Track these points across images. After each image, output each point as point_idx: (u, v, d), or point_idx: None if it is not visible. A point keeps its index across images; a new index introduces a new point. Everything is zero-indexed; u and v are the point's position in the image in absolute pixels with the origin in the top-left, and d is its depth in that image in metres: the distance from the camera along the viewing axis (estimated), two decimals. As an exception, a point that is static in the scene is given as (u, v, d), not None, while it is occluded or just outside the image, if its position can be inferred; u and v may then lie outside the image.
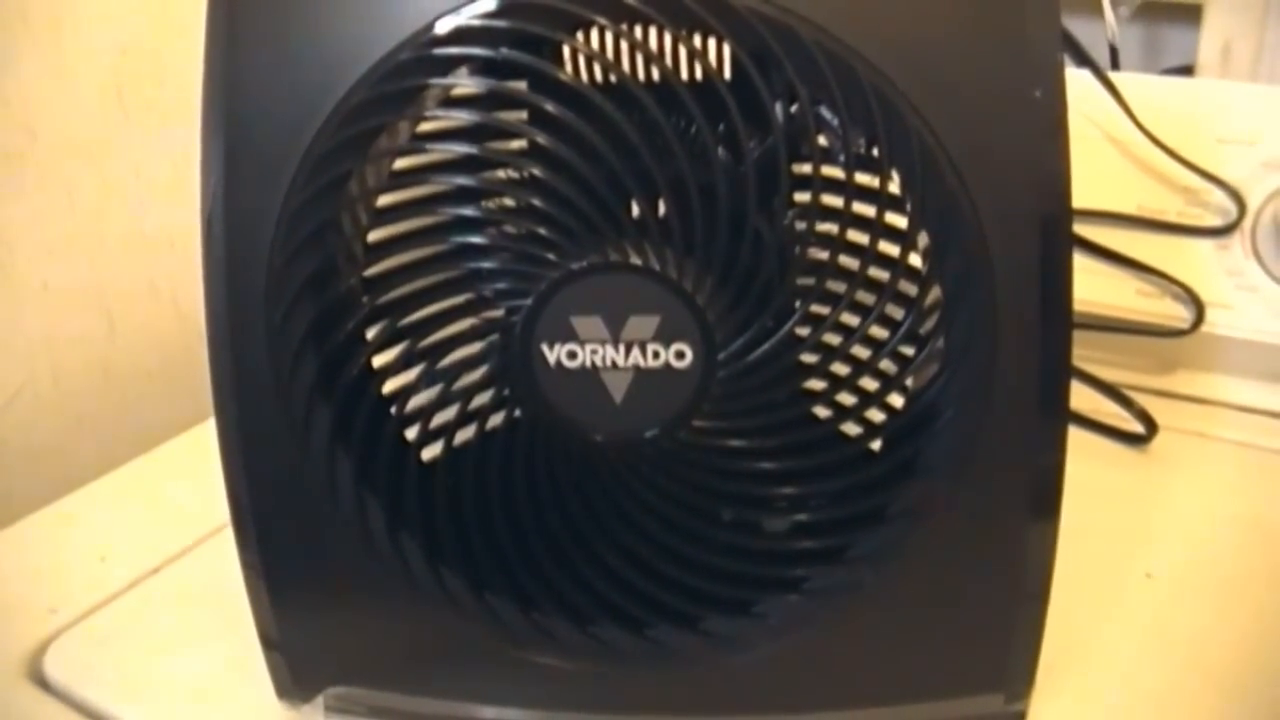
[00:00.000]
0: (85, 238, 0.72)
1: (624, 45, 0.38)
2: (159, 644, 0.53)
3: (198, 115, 0.74)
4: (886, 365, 0.40)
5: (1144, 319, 0.68)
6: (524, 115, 0.39)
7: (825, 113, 0.39)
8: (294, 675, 0.46)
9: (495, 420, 0.41)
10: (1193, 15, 0.80)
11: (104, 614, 0.55)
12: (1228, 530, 0.59)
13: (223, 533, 0.58)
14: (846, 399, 0.40)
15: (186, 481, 0.65)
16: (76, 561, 0.59)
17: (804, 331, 0.39)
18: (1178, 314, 0.68)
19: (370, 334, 0.41)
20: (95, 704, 0.50)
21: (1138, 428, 0.65)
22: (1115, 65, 0.78)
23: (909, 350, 0.40)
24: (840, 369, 0.39)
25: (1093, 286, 0.68)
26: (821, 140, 0.38)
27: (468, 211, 0.39)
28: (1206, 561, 0.56)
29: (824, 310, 0.38)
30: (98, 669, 0.51)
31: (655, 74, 0.38)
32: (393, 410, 0.41)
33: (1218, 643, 0.50)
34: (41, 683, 0.51)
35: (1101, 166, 0.69)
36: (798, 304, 0.39)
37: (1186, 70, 0.82)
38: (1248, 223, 0.67)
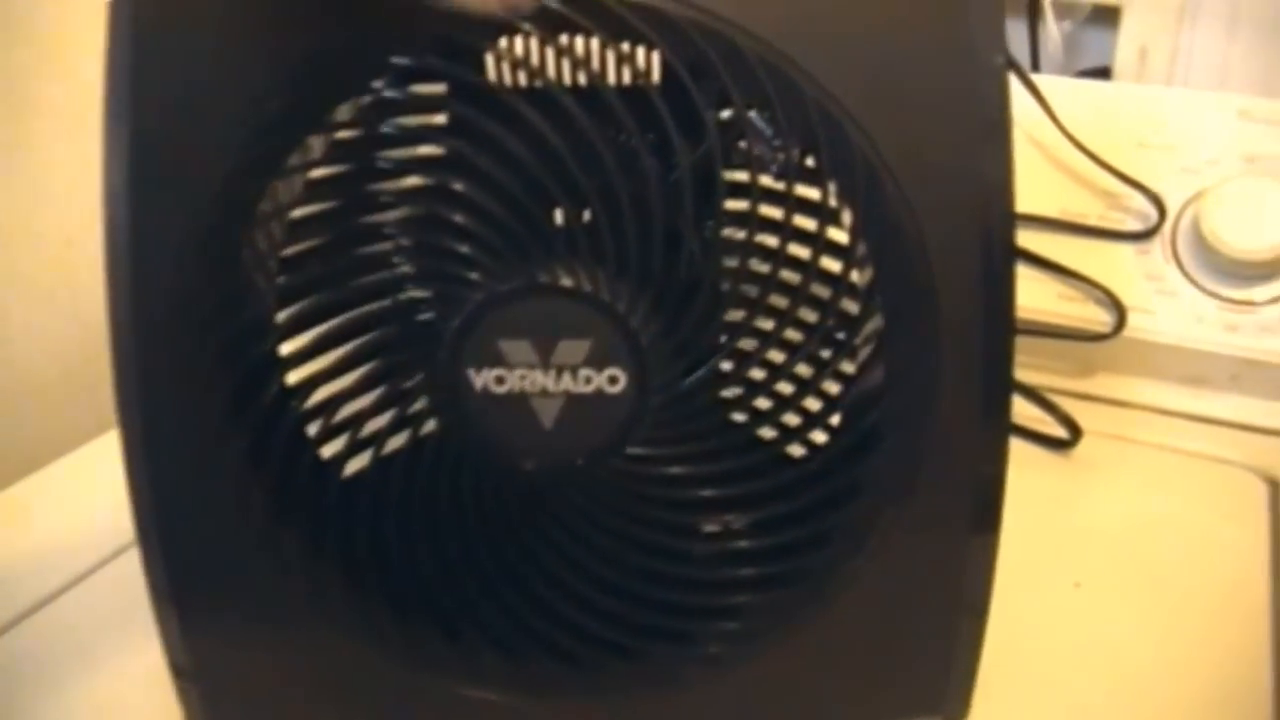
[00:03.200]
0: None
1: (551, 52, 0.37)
2: (55, 675, 0.50)
3: (97, 108, 0.70)
4: (828, 385, 0.39)
5: (1066, 323, 0.68)
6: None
7: (759, 122, 0.37)
8: (206, 707, 0.44)
9: (421, 439, 0.39)
10: (1109, 17, 0.81)
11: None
12: (1153, 535, 0.58)
13: (120, 558, 0.56)
14: (787, 420, 0.39)
15: (82, 502, 0.62)
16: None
17: (748, 347, 0.38)
18: (1100, 318, 0.68)
19: (286, 349, 0.39)
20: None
21: (1062, 433, 0.65)
22: (1036, 67, 0.79)
23: (850, 367, 0.39)
24: (780, 390, 0.38)
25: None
26: (756, 150, 0.37)
27: (388, 230, 0.37)
28: (1134, 568, 0.56)
29: (763, 330, 0.37)
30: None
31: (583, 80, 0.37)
32: (313, 430, 0.39)
33: (1149, 652, 0.50)
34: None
35: (1024, 169, 0.68)
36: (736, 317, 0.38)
37: (1103, 72, 0.82)
38: (1167, 227, 0.67)
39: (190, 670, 0.43)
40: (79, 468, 0.66)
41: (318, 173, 0.39)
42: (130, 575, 0.48)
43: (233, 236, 0.38)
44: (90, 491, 0.63)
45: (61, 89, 0.71)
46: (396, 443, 0.39)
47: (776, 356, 0.38)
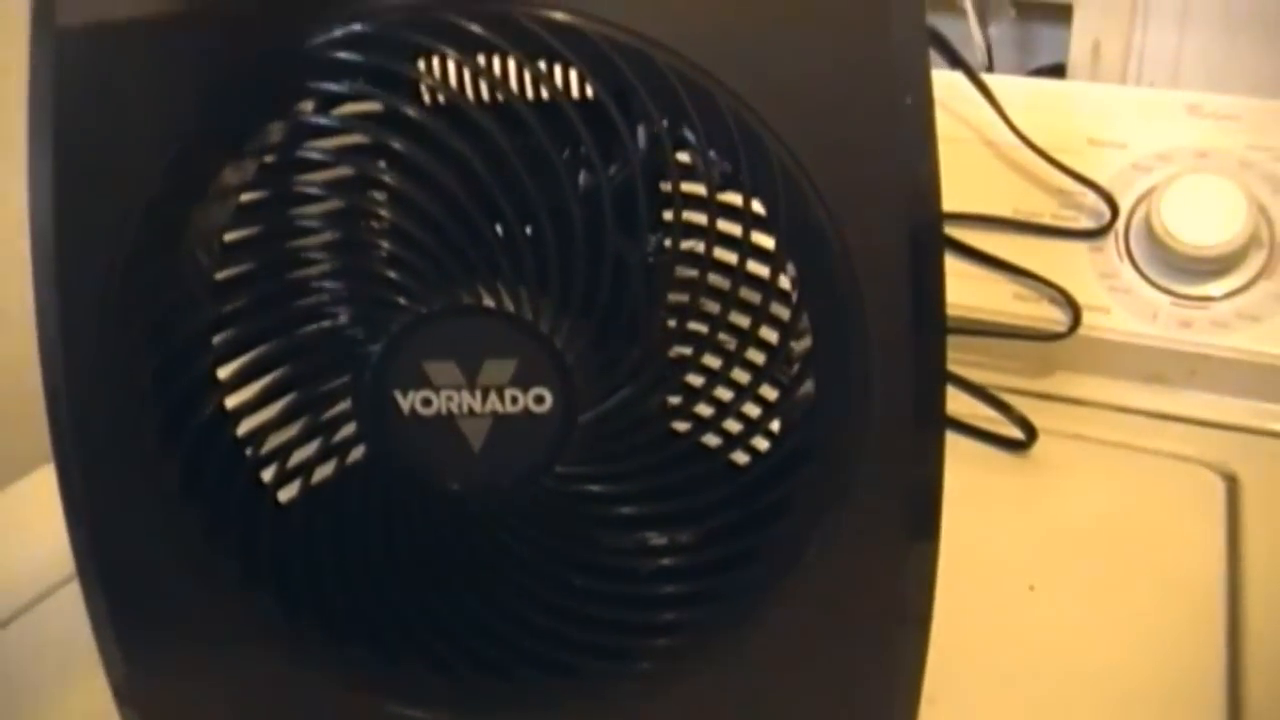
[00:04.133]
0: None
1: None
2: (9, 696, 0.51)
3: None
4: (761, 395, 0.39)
5: (1021, 323, 0.68)
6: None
7: (689, 134, 0.37)
8: (149, 730, 0.44)
9: (351, 463, 0.39)
10: (1064, 14, 0.81)
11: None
12: (1110, 534, 0.59)
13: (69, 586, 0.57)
14: (716, 437, 0.39)
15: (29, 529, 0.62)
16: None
17: (680, 352, 0.38)
18: (1055, 317, 0.68)
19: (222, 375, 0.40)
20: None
21: (1017, 433, 0.65)
22: (990, 66, 0.79)
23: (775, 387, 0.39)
24: (708, 407, 0.38)
25: (970, 291, 0.68)
26: (685, 158, 0.37)
27: (313, 255, 0.37)
28: (1089, 569, 0.56)
29: (690, 345, 0.37)
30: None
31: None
32: (247, 453, 0.40)
33: (1104, 654, 0.50)
34: None
35: (977, 169, 0.70)
36: (666, 327, 0.37)
37: (1058, 69, 0.83)
38: (1120, 224, 0.67)
39: (131, 694, 0.43)
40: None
41: (247, 196, 0.39)
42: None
43: (162, 258, 0.38)
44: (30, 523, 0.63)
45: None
46: (328, 469, 0.39)
47: (712, 361, 0.38)
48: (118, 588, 0.41)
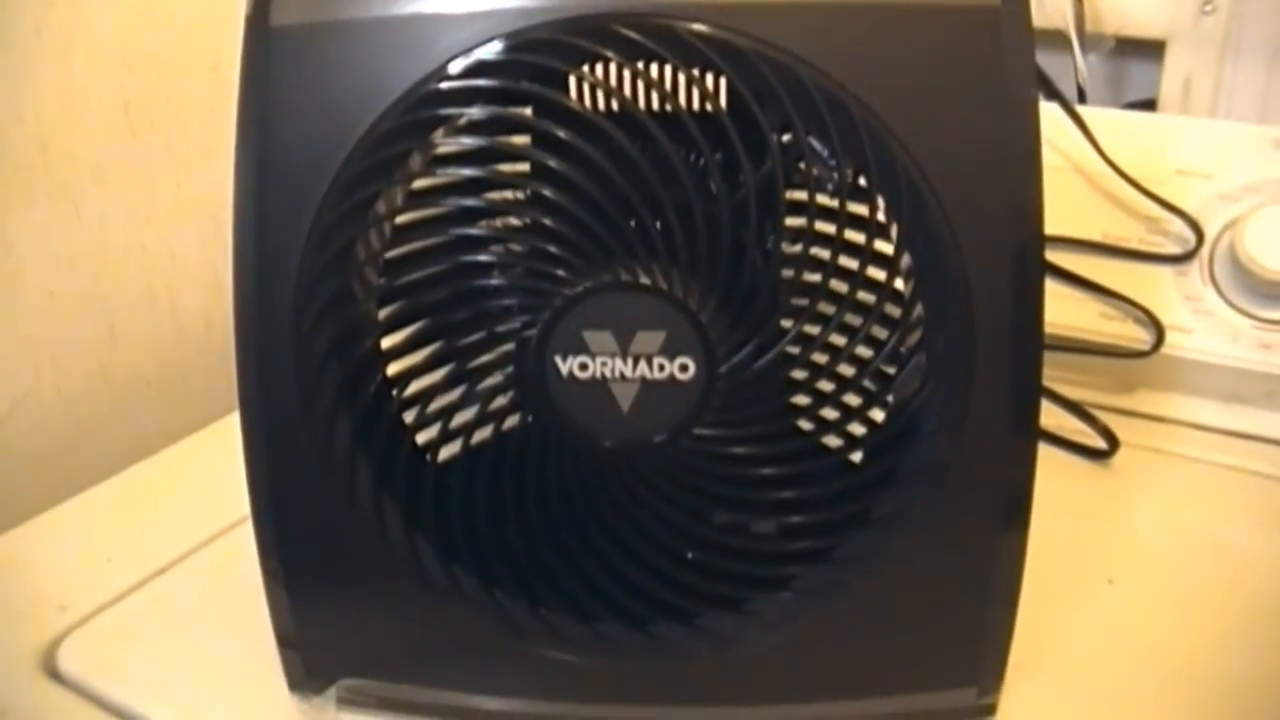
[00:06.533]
0: (89, 248, 0.74)
1: (627, 76, 0.41)
2: (171, 639, 0.55)
3: (201, 131, 0.76)
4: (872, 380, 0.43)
5: (1107, 340, 0.72)
6: (536, 143, 0.42)
7: (815, 144, 0.41)
8: (308, 669, 0.48)
9: (509, 425, 0.43)
10: (1156, 51, 0.84)
11: (114, 611, 0.57)
12: (1185, 541, 0.62)
13: (224, 537, 0.61)
14: (833, 413, 0.43)
15: (185, 488, 0.68)
16: (83, 562, 0.61)
17: (797, 349, 0.42)
18: (1139, 336, 0.71)
19: (386, 344, 0.44)
20: (111, 697, 0.51)
21: (1100, 443, 0.68)
22: (1082, 99, 0.82)
23: (891, 369, 0.43)
24: (829, 384, 0.42)
25: (1059, 309, 0.71)
26: (811, 169, 0.41)
27: (484, 234, 0.42)
28: (1164, 569, 0.59)
29: (816, 330, 0.41)
30: (112, 663, 0.53)
31: (654, 103, 0.41)
32: (414, 414, 0.44)
33: (1174, 645, 0.54)
34: (56, 677, 0.52)
35: (1069, 195, 0.73)
36: (791, 323, 0.42)
37: (1149, 104, 0.86)
38: (1205, 251, 0.70)
39: (294, 637, 0.48)
40: (181, 457, 0.72)
41: (420, 183, 0.43)
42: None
43: (345, 240, 0.42)
44: (186, 482, 0.69)
45: (170, 109, 0.77)
46: (486, 430, 0.43)
47: (825, 354, 0.42)
48: (289, 536, 0.45)
